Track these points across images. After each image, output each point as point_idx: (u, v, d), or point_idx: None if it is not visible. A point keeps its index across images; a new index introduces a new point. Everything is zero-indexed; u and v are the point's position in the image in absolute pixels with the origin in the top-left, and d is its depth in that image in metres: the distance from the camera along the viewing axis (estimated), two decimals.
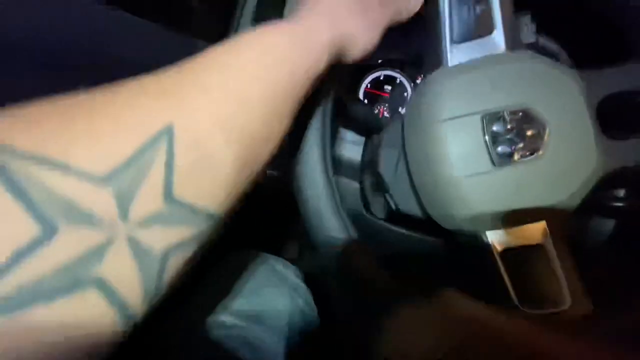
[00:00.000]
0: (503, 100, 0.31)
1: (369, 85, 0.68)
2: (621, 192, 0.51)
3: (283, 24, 0.25)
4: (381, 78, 0.68)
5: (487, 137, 0.31)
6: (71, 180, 0.14)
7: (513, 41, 0.33)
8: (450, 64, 0.34)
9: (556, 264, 0.33)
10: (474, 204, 0.32)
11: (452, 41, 0.34)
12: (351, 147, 0.66)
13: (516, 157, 0.31)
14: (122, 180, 0.15)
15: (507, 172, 0.31)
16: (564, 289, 0.32)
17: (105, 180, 0.14)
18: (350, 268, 0.30)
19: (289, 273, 0.42)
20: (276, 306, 0.36)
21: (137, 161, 0.15)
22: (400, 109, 0.68)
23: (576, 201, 0.33)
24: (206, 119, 0.18)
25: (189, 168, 0.17)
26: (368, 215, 0.59)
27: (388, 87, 0.68)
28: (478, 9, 0.33)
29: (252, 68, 0.21)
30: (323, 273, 0.91)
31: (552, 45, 0.52)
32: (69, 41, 0.27)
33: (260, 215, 0.78)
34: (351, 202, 0.61)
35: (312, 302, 0.41)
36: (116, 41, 0.32)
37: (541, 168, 0.31)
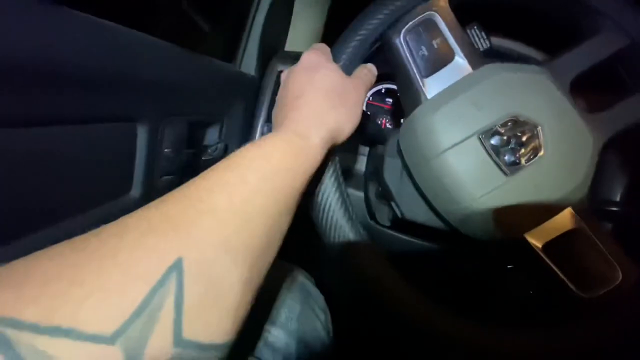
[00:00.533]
0: (490, 116, 0.34)
1: (371, 98, 0.71)
2: (617, 196, 0.54)
3: (277, 136, 0.26)
4: (382, 91, 0.71)
5: (490, 153, 0.34)
6: (78, 346, 0.13)
7: (473, 57, 0.37)
8: (429, 95, 0.37)
9: (595, 240, 0.34)
10: (501, 215, 0.34)
11: (422, 76, 0.37)
12: (355, 157, 0.69)
13: (523, 161, 0.34)
14: (132, 333, 0.15)
15: (520, 177, 0.34)
16: (611, 261, 0.34)
17: (114, 337, 0.14)
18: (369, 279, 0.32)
19: (303, 279, 0.43)
20: (293, 310, 0.38)
21: (146, 307, 0.15)
22: (402, 120, 0.70)
23: (589, 180, 0.35)
24: (214, 242, 0.18)
25: (198, 303, 0.17)
26: (373, 224, 0.61)
27: (389, 100, 0.71)
28: (435, 43, 0.37)
29: (254, 182, 0.22)
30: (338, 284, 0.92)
31: (507, 43, 0.56)
32: (80, 61, 0.29)
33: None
34: (356, 211, 0.63)
35: (327, 309, 0.43)
36: (129, 60, 0.34)
37: (549, 163, 0.33)
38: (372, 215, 0.62)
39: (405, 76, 0.38)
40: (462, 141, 0.35)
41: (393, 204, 0.50)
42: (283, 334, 0.34)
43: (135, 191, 0.41)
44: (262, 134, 0.66)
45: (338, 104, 0.29)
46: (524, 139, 0.34)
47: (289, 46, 0.76)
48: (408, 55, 0.37)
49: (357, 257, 0.34)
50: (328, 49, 0.36)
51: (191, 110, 0.49)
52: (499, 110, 0.35)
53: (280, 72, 0.71)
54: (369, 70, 0.37)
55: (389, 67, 0.65)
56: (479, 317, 0.34)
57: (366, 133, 0.63)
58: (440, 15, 0.36)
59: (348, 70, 0.36)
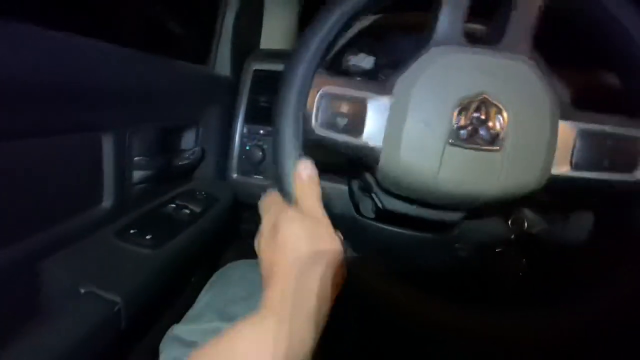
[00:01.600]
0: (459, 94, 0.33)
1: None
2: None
3: (264, 324, 0.24)
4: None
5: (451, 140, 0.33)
6: None
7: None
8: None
9: None
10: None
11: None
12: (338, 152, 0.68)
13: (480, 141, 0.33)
14: None
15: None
16: None
17: None
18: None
19: None
20: None
21: None
22: None
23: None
24: None
25: None
26: (358, 216, 0.61)
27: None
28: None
29: None
30: None
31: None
32: (36, 72, 0.29)
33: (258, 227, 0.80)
34: (342, 205, 0.62)
35: None
36: (87, 71, 0.34)
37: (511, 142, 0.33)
38: (357, 208, 0.61)
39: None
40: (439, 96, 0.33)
41: (374, 195, 0.49)
42: None
43: (107, 202, 0.41)
44: (242, 135, 0.66)
45: (313, 254, 0.26)
46: (491, 124, 0.33)
47: (264, 44, 0.76)
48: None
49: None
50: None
51: (162, 116, 0.48)
52: (468, 87, 0.33)
53: (256, 70, 0.71)
54: (307, 182, 0.31)
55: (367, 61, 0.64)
56: (469, 302, 0.34)
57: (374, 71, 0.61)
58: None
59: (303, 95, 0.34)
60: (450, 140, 0.33)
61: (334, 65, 0.55)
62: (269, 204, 0.32)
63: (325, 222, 0.29)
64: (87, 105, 0.35)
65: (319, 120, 0.35)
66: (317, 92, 0.34)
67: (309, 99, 0.34)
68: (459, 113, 0.33)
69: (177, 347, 0.32)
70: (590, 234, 0.55)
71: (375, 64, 0.48)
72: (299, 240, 0.27)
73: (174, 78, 0.50)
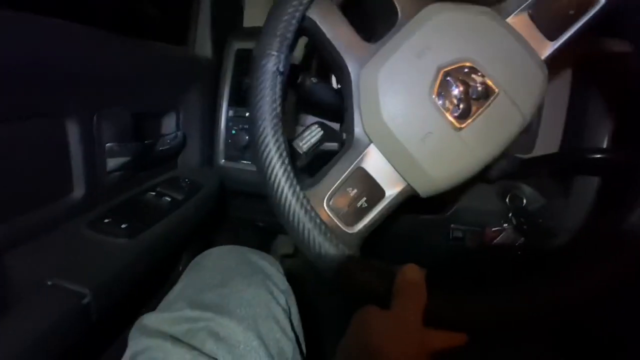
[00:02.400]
0: (437, 62, 0.31)
1: None
2: (603, 143, 0.50)
3: None
4: None
5: (440, 110, 0.31)
6: None
7: (407, 4, 0.33)
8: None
9: None
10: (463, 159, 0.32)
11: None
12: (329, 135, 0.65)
13: (473, 110, 0.31)
14: None
15: (470, 127, 0.31)
16: None
17: None
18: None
19: (265, 263, 0.42)
20: (244, 295, 0.36)
21: None
22: None
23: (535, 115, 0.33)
24: None
25: None
26: None
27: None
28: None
29: None
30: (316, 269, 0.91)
31: None
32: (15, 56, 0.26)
33: (254, 211, 0.78)
34: None
35: (288, 288, 0.41)
36: (44, 52, 0.31)
37: (498, 108, 0.31)
38: None
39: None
40: (409, 99, 0.31)
41: None
42: (230, 322, 0.32)
43: (78, 191, 0.39)
44: (227, 119, 0.63)
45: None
46: (473, 85, 0.31)
47: (248, 22, 0.72)
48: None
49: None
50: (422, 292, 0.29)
51: (135, 100, 0.46)
52: (447, 54, 0.31)
53: (238, 50, 0.68)
54: (411, 285, 0.28)
55: None
56: (466, 283, 0.33)
57: (328, 131, 0.60)
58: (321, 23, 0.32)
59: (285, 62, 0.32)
60: (457, 126, 0.31)
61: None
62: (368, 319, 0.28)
63: (417, 330, 0.26)
64: (47, 88, 0.32)
65: (350, 223, 0.32)
66: (324, 206, 0.32)
67: (323, 216, 0.31)
68: (438, 95, 0.31)
69: (145, 337, 0.31)
70: (590, 211, 0.53)
71: (322, 128, 0.45)
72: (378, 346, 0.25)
73: (148, 59, 0.47)
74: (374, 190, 0.33)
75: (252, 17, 0.71)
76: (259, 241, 0.95)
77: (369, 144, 0.33)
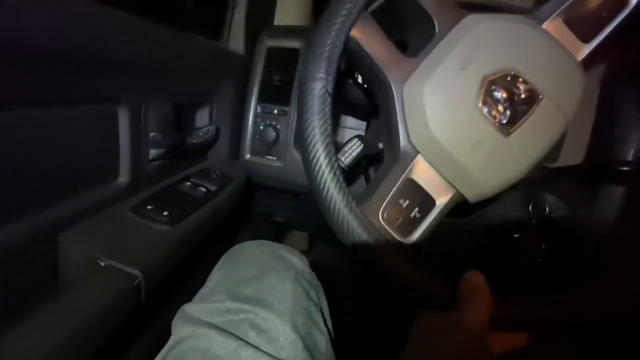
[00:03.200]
0: (480, 72, 0.32)
1: None
2: (629, 155, 0.51)
3: None
4: None
5: (487, 117, 0.32)
6: None
7: (442, 16, 0.34)
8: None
9: None
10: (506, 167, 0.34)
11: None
12: (352, 133, 0.66)
13: (518, 118, 0.32)
14: None
15: (516, 134, 0.32)
16: None
17: None
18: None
19: (294, 259, 0.42)
20: (280, 290, 0.37)
21: None
22: None
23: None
24: None
25: None
26: None
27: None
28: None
29: None
30: (333, 264, 0.92)
31: None
32: (53, 38, 0.27)
33: (274, 206, 0.79)
34: (359, 190, 0.61)
35: (318, 284, 0.42)
36: (104, 39, 0.32)
37: (543, 115, 0.32)
38: None
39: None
40: (456, 110, 0.32)
41: None
42: (270, 315, 0.34)
43: (124, 177, 0.40)
44: (255, 115, 0.64)
45: None
46: (517, 92, 0.32)
47: (278, 20, 0.73)
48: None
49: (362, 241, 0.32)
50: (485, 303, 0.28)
51: (176, 91, 0.47)
52: (490, 64, 0.32)
53: (269, 47, 0.69)
54: (476, 291, 0.28)
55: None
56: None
57: (362, 104, 0.60)
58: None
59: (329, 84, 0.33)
60: (505, 132, 0.32)
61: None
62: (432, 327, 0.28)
63: (480, 337, 0.26)
64: (102, 74, 0.34)
65: (405, 234, 0.33)
66: (379, 220, 0.32)
67: (381, 225, 0.32)
68: (485, 105, 0.32)
69: (190, 325, 0.32)
70: (614, 222, 0.53)
71: (363, 141, 0.46)
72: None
73: (189, 52, 0.48)
74: (425, 200, 0.34)
75: (283, 15, 0.73)
76: (274, 234, 0.96)
77: (416, 156, 0.34)
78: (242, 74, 0.63)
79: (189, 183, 0.48)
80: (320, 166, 0.31)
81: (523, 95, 0.32)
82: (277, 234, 1.00)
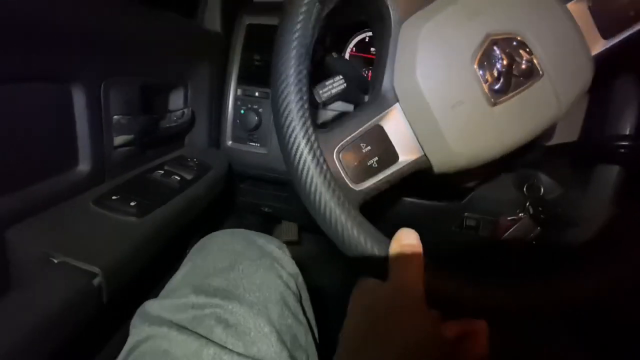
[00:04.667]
0: (480, 33, 0.29)
1: (354, 49, 0.64)
2: (627, 130, 0.49)
3: None
4: (366, 39, 0.64)
5: (480, 80, 0.29)
6: None
7: None
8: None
9: None
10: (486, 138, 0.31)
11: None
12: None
13: (511, 88, 0.29)
14: None
15: (504, 106, 0.30)
16: None
17: None
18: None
19: (271, 246, 0.38)
20: (253, 280, 0.34)
21: None
22: None
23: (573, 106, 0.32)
24: None
25: None
26: None
27: (374, 49, 0.64)
28: None
29: None
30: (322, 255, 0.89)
31: None
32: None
33: (260, 196, 0.76)
34: None
35: (298, 272, 0.39)
36: (61, 7, 0.28)
37: (541, 89, 0.30)
38: None
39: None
40: (448, 62, 0.29)
41: None
42: (240, 308, 0.31)
43: (84, 165, 0.36)
44: (236, 98, 0.60)
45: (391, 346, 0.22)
46: (518, 61, 0.29)
47: None
48: None
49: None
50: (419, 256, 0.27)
51: (143, 71, 0.43)
52: (500, 23, 0.29)
53: (249, 25, 0.64)
54: (408, 250, 0.27)
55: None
56: (479, 272, 0.31)
57: (351, 87, 0.57)
58: None
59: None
60: (492, 101, 0.29)
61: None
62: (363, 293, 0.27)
63: (419, 298, 0.25)
64: (53, 49, 0.29)
65: (354, 178, 0.30)
66: (334, 154, 0.30)
67: (331, 165, 0.29)
68: (481, 68, 0.29)
69: (147, 326, 0.28)
70: (609, 202, 0.52)
71: (346, 80, 0.42)
72: (377, 324, 0.23)
73: (158, 28, 0.43)
74: (387, 153, 0.31)
75: None
76: (262, 226, 0.93)
77: (394, 103, 0.31)
78: (219, 54, 0.58)
79: (161, 171, 0.44)
80: (288, 83, 0.28)
81: (523, 66, 0.29)
82: (267, 226, 0.96)
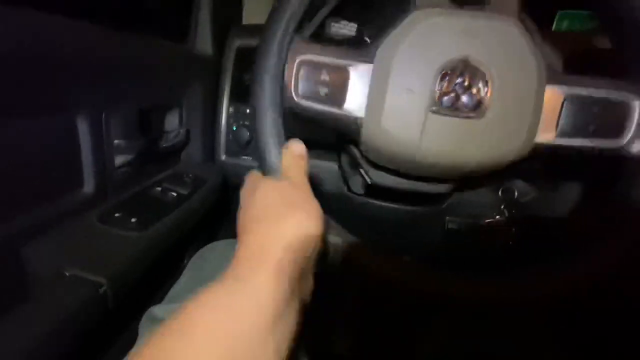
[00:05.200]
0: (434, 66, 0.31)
1: None
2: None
3: (219, 290, 0.23)
4: None
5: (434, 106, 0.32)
6: None
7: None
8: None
9: None
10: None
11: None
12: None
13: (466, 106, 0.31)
14: None
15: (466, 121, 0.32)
16: None
17: None
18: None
19: None
20: None
21: None
22: None
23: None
24: None
25: None
26: (349, 193, 0.61)
27: None
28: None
29: (208, 341, 0.20)
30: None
31: None
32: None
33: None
34: (332, 182, 0.62)
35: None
36: (65, 47, 0.32)
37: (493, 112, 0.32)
38: (348, 186, 0.61)
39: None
40: (425, 59, 0.32)
41: (361, 170, 0.49)
42: None
43: (88, 187, 0.40)
44: (228, 115, 0.64)
45: (283, 215, 0.25)
46: (474, 90, 0.32)
47: (247, 19, 0.73)
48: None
49: None
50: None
51: (140, 97, 0.47)
52: (478, 49, 0.32)
53: (239, 47, 0.69)
54: (296, 156, 0.30)
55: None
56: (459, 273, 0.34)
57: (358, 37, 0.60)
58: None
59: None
60: (432, 108, 0.32)
61: (315, 33, 0.53)
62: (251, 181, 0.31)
63: (305, 188, 0.28)
64: (58, 85, 0.34)
65: (300, 91, 0.33)
66: (296, 60, 0.32)
67: (288, 68, 0.32)
68: (442, 79, 0.32)
69: (157, 327, 0.32)
70: (579, 201, 0.55)
71: (359, 30, 0.46)
72: (272, 199, 0.26)
73: (152, 56, 0.48)
74: (338, 95, 0.33)
75: (252, 14, 0.72)
76: None
77: (370, 62, 0.33)
78: (211, 76, 0.63)
79: (159, 188, 0.48)
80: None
81: (474, 98, 0.32)
82: None
